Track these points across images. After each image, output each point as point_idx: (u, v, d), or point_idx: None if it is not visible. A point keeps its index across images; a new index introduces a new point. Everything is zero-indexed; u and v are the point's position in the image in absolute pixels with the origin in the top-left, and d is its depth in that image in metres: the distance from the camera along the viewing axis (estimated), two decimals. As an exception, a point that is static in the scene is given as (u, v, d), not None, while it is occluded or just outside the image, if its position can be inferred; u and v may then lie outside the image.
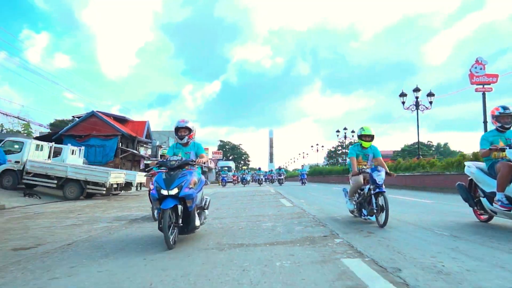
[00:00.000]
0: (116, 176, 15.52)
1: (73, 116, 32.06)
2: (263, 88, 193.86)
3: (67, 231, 6.13)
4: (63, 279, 3.16)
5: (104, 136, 27.81)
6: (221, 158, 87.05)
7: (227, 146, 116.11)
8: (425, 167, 17.38)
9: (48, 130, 30.43)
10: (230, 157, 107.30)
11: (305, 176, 28.40)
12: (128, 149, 29.29)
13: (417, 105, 21.15)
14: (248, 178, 34.77)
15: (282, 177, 30.33)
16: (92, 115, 28.24)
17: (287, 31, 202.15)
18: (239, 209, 8.97)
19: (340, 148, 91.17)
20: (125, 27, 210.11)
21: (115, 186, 15.82)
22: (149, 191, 6.16)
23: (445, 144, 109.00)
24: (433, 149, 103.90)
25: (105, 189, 14.91)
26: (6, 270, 3.53)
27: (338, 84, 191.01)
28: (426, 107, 21.23)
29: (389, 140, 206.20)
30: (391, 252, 3.60)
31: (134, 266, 3.48)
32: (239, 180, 34.13)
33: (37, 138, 23.40)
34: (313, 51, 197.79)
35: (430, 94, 20.98)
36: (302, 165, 32.65)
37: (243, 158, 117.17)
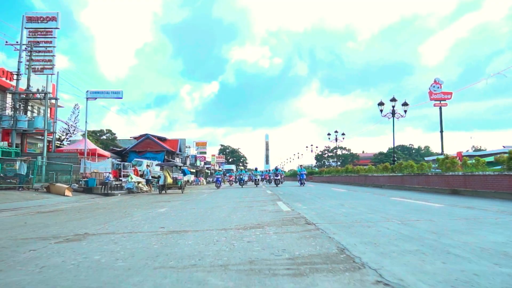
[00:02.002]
0: (187, 178, 29.28)
1: (131, 137, 45.65)
2: (261, 89, 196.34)
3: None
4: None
5: (155, 151, 41.51)
6: (224, 162, 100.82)
7: (227, 150, 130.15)
8: (353, 171, 31.11)
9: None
10: (230, 160, 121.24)
11: (304, 176, 25.93)
12: (170, 159, 43.04)
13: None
14: (246, 178, 34.07)
15: (279, 177, 27.61)
16: (147, 138, 41.98)
17: (285, 31, 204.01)
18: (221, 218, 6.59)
19: (326, 152, 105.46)
20: (124, 28, 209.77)
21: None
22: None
23: (426, 147, 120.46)
24: (413, 151, 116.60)
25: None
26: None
27: (335, 84, 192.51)
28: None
29: (384, 140, 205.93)
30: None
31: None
32: (237, 180, 32.00)
33: (111, 151, 36.91)
34: (311, 51, 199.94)
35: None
36: (300, 165, 30.32)
37: (241, 160, 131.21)
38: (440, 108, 29.90)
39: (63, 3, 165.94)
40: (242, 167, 36.84)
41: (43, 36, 27.26)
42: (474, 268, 2.70)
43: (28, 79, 24.33)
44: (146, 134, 42.66)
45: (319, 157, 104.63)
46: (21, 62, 24.14)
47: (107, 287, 2.51)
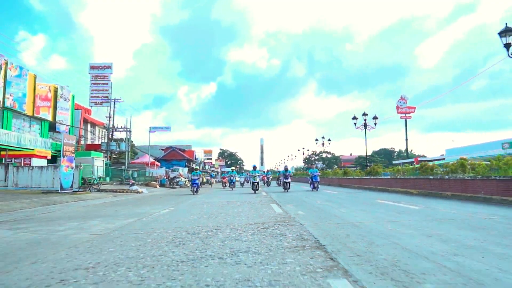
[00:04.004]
0: (214, 180, 44.40)
1: (159, 149, 60.71)
2: (259, 90, 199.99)
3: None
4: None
5: (179, 159, 56.76)
6: (223, 165, 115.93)
7: (225, 154, 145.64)
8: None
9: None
10: (228, 162, 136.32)
11: (318, 179, 20.41)
12: (189, 165, 58.36)
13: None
14: (238, 180, 32.04)
15: (289, 180, 21.42)
16: (172, 150, 57.24)
17: (283, 33, 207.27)
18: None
19: (313, 156, 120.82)
20: (123, 29, 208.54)
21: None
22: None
23: (406, 150, 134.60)
24: (395, 155, 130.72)
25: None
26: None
27: (333, 85, 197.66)
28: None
29: (378, 141, 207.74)
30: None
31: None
32: (227, 181, 27.49)
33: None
34: (309, 53, 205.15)
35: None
36: (312, 164, 23.03)
37: (238, 163, 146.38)
38: (405, 120, 42.26)
39: (62, 4, 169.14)
40: (233, 167, 35.02)
41: (101, 79, 42.83)
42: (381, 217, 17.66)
43: (113, 120, 39.51)
44: (172, 147, 58.01)
45: (307, 160, 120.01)
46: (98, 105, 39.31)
47: (207, 222, 17.76)
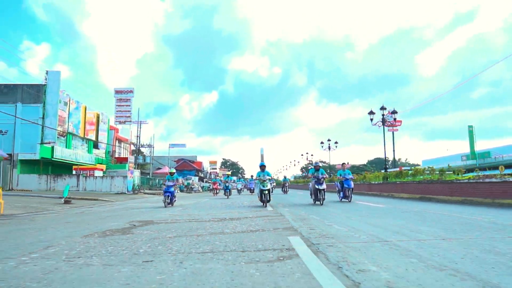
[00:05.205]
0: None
1: (173, 160, 69.27)
2: (260, 98, 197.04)
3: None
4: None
5: (189, 170, 65.35)
6: (226, 175, 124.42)
7: (228, 163, 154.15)
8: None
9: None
10: (230, 172, 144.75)
11: (351, 184, 14.55)
12: (198, 175, 66.94)
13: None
14: (236, 186, 30.95)
15: (324, 186, 16.83)
16: (184, 161, 65.89)
17: (284, 42, 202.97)
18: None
19: (310, 165, 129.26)
20: (126, 38, 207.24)
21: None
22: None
23: (394, 159, 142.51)
24: (389, 164, 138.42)
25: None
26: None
27: (334, 94, 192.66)
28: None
29: (378, 149, 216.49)
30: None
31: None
32: (223, 188, 24.42)
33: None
34: (309, 61, 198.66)
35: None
36: (342, 163, 16.82)
37: (240, 172, 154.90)
38: (393, 133, 50.71)
39: (66, 14, 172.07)
40: (229, 173, 31.86)
41: (124, 102, 51.55)
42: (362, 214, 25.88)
43: (139, 137, 48.22)
44: (183, 159, 66.69)
45: (304, 169, 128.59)
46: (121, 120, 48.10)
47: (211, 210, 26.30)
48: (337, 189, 15.10)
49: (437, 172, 17.04)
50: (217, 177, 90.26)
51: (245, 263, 3.44)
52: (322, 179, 12.67)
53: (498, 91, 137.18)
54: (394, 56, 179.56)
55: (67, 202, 15.43)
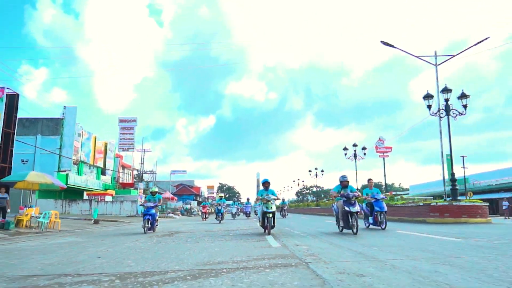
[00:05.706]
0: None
1: (172, 185, 72.44)
2: (257, 122, 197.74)
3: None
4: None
5: (188, 194, 68.51)
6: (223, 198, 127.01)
7: (224, 187, 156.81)
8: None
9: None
10: (227, 196, 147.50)
11: (384, 207, 11.31)
12: (196, 199, 70.01)
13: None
14: (231, 210, 29.39)
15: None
16: (183, 186, 69.15)
17: (281, 67, 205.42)
18: None
19: (305, 190, 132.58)
20: (125, 63, 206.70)
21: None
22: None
23: (385, 184, 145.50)
24: (383, 189, 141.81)
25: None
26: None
27: (330, 118, 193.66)
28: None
29: (375, 172, 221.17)
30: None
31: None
32: (215, 212, 22.29)
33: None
34: (306, 86, 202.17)
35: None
36: (369, 179, 12.09)
37: (236, 196, 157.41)
38: (384, 159, 54.53)
39: (66, 40, 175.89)
40: (222, 195, 25.54)
41: (128, 130, 55.17)
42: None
43: (142, 164, 51.67)
44: (182, 184, 69.94)
45: (298, 193, 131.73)
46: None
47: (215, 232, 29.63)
48: (363, 213, 11.58)
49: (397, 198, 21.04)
50: (207, 200, 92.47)
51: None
52: (353, 198, 9.59)
53: (492, 116, 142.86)
54: (389, 82, 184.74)
55: (96, 222, 18.82)
